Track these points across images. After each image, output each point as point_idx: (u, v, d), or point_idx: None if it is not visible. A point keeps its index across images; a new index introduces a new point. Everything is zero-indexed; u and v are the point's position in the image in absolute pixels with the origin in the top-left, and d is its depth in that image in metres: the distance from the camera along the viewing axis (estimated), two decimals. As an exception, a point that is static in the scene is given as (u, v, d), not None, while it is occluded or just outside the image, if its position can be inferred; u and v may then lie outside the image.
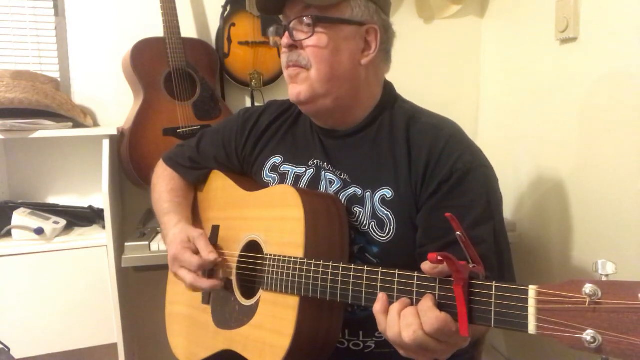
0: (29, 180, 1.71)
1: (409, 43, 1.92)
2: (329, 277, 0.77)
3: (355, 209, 0.92)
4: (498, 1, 1.88)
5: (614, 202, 1.27)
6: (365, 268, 0.73)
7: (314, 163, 1.00)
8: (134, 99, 1.68)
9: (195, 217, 1.16)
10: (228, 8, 1.71)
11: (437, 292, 0.64)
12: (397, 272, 0.69)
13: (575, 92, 1.43)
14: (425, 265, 0.64)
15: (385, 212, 0.89)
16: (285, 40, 0.92)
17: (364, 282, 0.73)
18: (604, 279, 0.50)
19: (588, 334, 0.49)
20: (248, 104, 1.80)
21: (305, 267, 0.81)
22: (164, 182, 1.17)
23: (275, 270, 0.86)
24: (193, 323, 1.06)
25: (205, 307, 1.03)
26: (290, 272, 0.83)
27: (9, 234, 1.47)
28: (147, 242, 1.41)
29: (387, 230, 0.89)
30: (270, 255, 0.88)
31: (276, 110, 1.10)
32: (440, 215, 0.82)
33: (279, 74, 1.77)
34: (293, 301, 0.82)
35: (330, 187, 0.96)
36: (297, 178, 1.00)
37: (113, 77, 1.73)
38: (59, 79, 1.69)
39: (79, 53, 1.71)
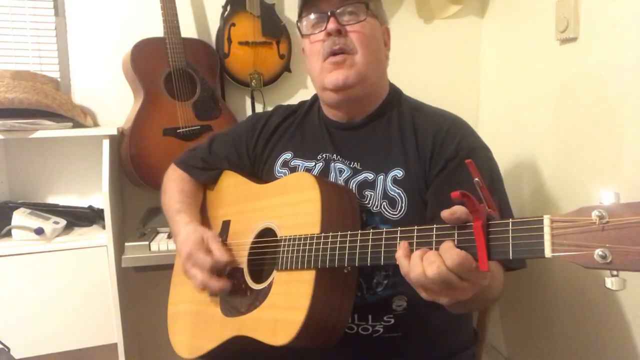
0: (29, 180, 1.71)
1: (409, 43, 1.92)
2: (347, 244, 0.78)
3: (366, 193, 0.96)
4: (498, 1, 1.88)
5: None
6: (384, 230, 0.74)
7: (323, 157, 1.04)
8: (134, 99, 1.68)
9: (202, 216, 1.17)
10: (228, 8, 1.71)
11: (455, 237, 0.65)
12: (415, 227, 0.70)
13: (575, 92, 1.43)
14: (445, 213, 0.65)
15: (397, 190, 0.94)
16: (332, 25, 0.95)
17: (383, 242, 0.74)
18: (608, 203, 0.54)
19: (599, 251, 0.52)
20: (248, 104, 1.80)
21: (322, 241, 0.82)
22: (175, 183, 1.20)
23: (290, 249, 0.87)
24: (199, 318, 1.05)
25: (213, 300, 1.02)
26: (307, 247, 0.84)
27: (9, 234, 1.47)
28: (147, 242, 1.41)
29: (399, 208, 0.93)
30: (286, 237, 0.89)
31: (283, 113, 1.15)
32: (447, 190, 0.87)
33: (279, 74, 1.77)
34: (309, 275, 0.82)
35: (340, 176, 1.00)
36: (307, 171, 1.03)
37: (113, 77, 1.73)
38: (59, 79, 1.69)
39: (79, 53, 1.71)
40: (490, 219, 0.63)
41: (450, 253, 0.63)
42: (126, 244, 1.42)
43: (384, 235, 0.74)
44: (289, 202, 0.93)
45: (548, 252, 0.56)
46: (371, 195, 0.95)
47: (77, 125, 1.57)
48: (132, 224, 1.69)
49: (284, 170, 1.07)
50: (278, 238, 0.91)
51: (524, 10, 1.68)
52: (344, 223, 0.87)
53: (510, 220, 0.61)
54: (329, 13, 0.96)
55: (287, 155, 1.08)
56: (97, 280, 1.47)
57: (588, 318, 1.38)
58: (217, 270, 0.98)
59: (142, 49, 1.58)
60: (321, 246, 0.81)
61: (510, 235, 0.60)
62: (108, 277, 1.47)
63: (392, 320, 0.95)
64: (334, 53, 0.96)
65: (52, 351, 1.45)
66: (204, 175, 1.21)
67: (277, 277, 0.89)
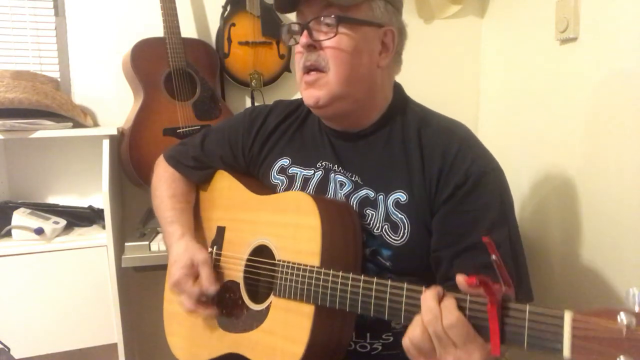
0: (29, 180, 1.71)
1: (408, 43, 1.91)
2: (349, 288, 0.76)
3: (367, 212, 0.90)
4: (498, 1, 1.87)
5: (614, 201, 1.27)
6: (389, 283, 0.72)
7: (322, 165, 0.99)
8: (134, 99, 1.68)
9: (195, 215, 1.15)
10: (228, 8, 1.71)
11: (467, 305, 0.64)
12: (423, 288, 0.68)
13: (575, 92, 1.43)
14: (462, 285, 0.64)
15: (400, 215, 0.88)
16: (303, 39, 0.88)
17: (387, 295, 0.72)
18: (637, 309, 0.51)
19: (622, 359, 0.50)
20: (248, 104, 1.80)
21: (322, 277, 0.79)
22: (166, 185, 1.14)
23: (288, 277, 0.84)
24: (194, 323, 1.05)
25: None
26: (306, 280, 0.81)
27: (9, 234, 1.47)
28: (147, 242, 1.42)
29: (401, 234, 0.88)
30: (284, 261, 0.87)
31: (283, 111, 1.08)
32: (456, 220, 0.84)
33: (279, 74, 1.77)
34: (308, 309, 0.81)
35: (341, 190, 0.94)
36: (306, 181, 0.99)
37: (113, 77, 1.73)
38: (59, 79, 1.69)
39: (79, 53, 1.71)
40: (507, 299, 0.61)
41: (451, 314, 0.62)
42: (126, 244, 1.42)
43: (388, 289, 0.71)
44: (288, 223, 0.90)
45: (567, 353, 0.54)
46: (372, 215, 0.90)
47: (77, 125, 1.57)
48: (132, 224, 1.69)
49: (280, 177, 1.02)
50: (276, 261, 0.88)
51: (524, 10, 1.68)
52: (346, 253, 0.84)
53: (528, 308, 0.59)
54: (305, 24, 0.89)
55: (285, 162, 1.03)
56: (97, 280, 1.47)
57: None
58: (206, 297, 0.98)
59: (142, 49, 1.58)
60: (321, 282, 0.79)
61: (527, 324, 0.58)
62: (108, 277, 1.47)
63: (391, 338, 0.92)
64: (307, 70, 0.90)
65: (52, 351, 1.45)
66: (196, 175, 1.15)
67: (275, 302, 0.88)
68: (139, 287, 1.75)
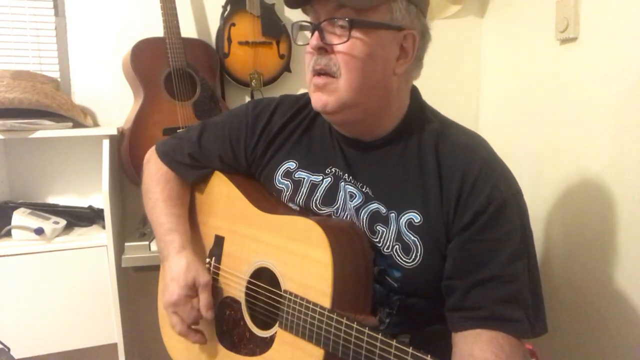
0: (29, 180, 1.71)
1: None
2: (364, 344, 0.70)
3: (377, 228, 0.85)
4: (498, 1, 1.88)
5: (616, 202, 1.27)
6: (410, 351, 0.66)
7: (331, 171, 0.93)
8: (134, 99, 1.68)
9: (189, 216, 1.09)
10: (228, 8, 1.71)
11: None
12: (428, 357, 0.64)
13: (575, 92, 1.42)
14: None
15: (413, 237, 0.82)
16: (314, 41, 0.82)
17: None
18: None
19: None
20: (248, 104, 1.80)
21: (334, 324, 0.74)
22: (159, 187, 1.05)
23: (296, 313, 0.80)
24: None
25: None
26: (316, 322, 0.77)
27: (9, 234, 1.47)
28: (147, 242, 1.41)
29: (413, 256, 0.82)
30: (291, 294, 0.82)
31: (291, 108, 1.00)
32: (475, 249, 0.79)
33: (279, 74, 1.77)
34: (317, 353, 0.77)
35: (351, 201, 0.88)
36: (313, 187, 0.93)
37: (113, 77, 1.73)
38: (59, 79, 1.69)
39: (79, 53, 1.71)
40: None
41: None
42: (126, 244, 1.41)
43: (409, 357, 0.65)
44: (295, 252, 0.84)
45: None
46: (383, 232, 0.84)
47: (77, 125, 1.57)
48: (132, 224, 1.69)
49: (285, 182, 0.96)
50: (282, 292, 0.84)
51: (524, 10, 1.68)
52: (357, 292, 0.80)
53: None
54: (317, 24, 0.83)
55: (291, 165, 0.96)
56: (97, 280, 1.47)
57: (588, 318, 1.37)
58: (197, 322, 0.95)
59: (142, 49, 1.58)
60: (332, 330, 0.74)
61: None
62: (108, 277, 1.47)
63: None
64: (317, 73, 0.84)
65: (52, 351, 1.45)
66: (193, 175, 1.07)
67: (281, 335, 0.84)
68: (139, 287, 1.75)
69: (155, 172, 1.08)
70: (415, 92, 0.94)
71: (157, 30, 1.62)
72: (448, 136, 0.87)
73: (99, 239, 1.48)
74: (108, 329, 1.49)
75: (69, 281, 1.45)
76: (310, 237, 0.81)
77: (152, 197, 1.06)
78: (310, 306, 0.78)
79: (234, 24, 1.71)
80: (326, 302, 0.76)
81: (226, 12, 1.72)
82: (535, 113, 1.61)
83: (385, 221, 0.85)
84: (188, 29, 1.75)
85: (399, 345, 0.67)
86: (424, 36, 0.89)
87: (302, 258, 0.82)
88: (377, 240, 0.85)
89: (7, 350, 1.19)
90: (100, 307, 1.48)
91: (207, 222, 1.08)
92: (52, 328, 1.45)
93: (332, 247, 0.78)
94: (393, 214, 0.85)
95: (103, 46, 1.72)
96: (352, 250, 0.82)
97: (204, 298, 0.93)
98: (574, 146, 1.43)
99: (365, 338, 0.71)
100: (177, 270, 0.94)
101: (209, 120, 1.10)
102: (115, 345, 1.50)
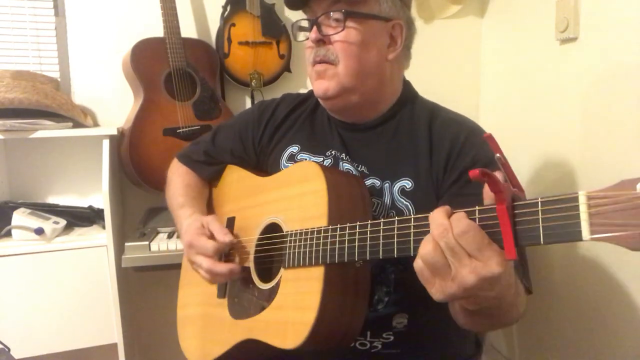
0: (29, 180, 1.71)
1: (409, 43, 1.92)
2: (357, 236, 0.72)
3: (373, 200, 0.91)
4: (498, 1, 1.88)
5: (614, 202, 1.27)
6: (396, 219, 0.67)
7: (331, 153, 1.00)
8: (134, 99, 1.68)
9: (209, 213, 1.12)
10: (228, 8, 1.71)
11: (477, 216, 0.59)
12: (429, 214, 0.64)
13: (575, 92, 1.43)
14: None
15: (405, 202, 0.90)
16: (313, 35, 0.92)
17: (395, 232, 0.67)
18: None
19: None
20: (248, 104, 1.80)
21: (330, 234, 0.76)
22: (180, 177, 1.16)
23: (296, 245, 0.82)
24: (208, 321, 1.03)
25: (221, 302, 0.99)
26: (314, 242, 0.79)
27: (9, 234, 1.47)
28: (147, 242, 1.41)
29: None
30: (291, 231, 0.85)
31: (293, 102, 1.11)
32: (461, 203, 0.80)
33: (279, 74, 1.77)
34: (318, 272, 0.77)
35: None
36: None
37: (113, 77, 1.73)
38: (59, 79, 1.69)
39: (79, 53, 1.71)
40: (516, 199, 0.55)
41: (460, 222, 0.58)
42: (126, 244, 1.42)
43: (396, 225, 0.67)
44: (294, 195, 0.88)
45: (586, 234, 0.49)
46: (378, 204, 0.91)
47: (77, 125, 1.57)
48: (132, 224, 1.69)
49: (290, 165, 1.03)
50: (284, 233, 0.87)
51: (524, 10, 1.68)
52: (354, 213, 0.82)
53: (540, 199, 0.53)
54: (315, 19, 0.92)
55: (294, 149, 1.04)
56: (97, 280, 1.47)
57: (588, 317, 1.38)
58: (223, 254, 0.96)
59: (142, 49, 1.58)
60: (329, 240, 0.76)
61: (540, 217, 0.53)
62: (108, 277, 1.47)
63: (392, 337, 0.92)
64: (315, 62, 0.93)
65: (52, 351, 1.45)
66: (207, 171, 1.16)
67: (285, 275, 0.84)
68: (139, 287, 1.76)
69: (176, 169, 1.19)
70: (408, 83, 1.03)
71: (157, 30, 1.62)
72: (439, 113, 0.97)
73: (99, 239, 1.48)
74: (108, 329, 1.49)
75: (69, 281, 1.45)
76: (307, 174, 0.87)
77: (172, 186, 1.16)
78: (308, 231, 0.81)
79: (234, 24, 1.72)
80: (324, 222, 0.79)
81: (226, 12, 1.72)
82: (535, 113, 1.61)
83: (380, 193, 0.92)
84: (188, 29, 1.75)
85: (387, 221, 0.69)
86: (410, 27, 0.98)
87: (300, 196, 0.87)
88: (373, 211, 0.90)
89: (7, 350, 1.19)
90: (100, 307, 1.48)
91: (222, 212, 1.12)
92: (52, 328, 1.45)
93: (325, 175, 0.82)
94: (387, 184, 0.92)
95: (103, 46, 1.72)
96: (349, 186, 0.85)
97: (215, 227, 0.95)
98: (573, 145, 1.43)
99: (357, 230, 0.73)
100: (186, 225, 1.01)
101: (222, 123, 1.23)
102: (115, 345, 1.50)
